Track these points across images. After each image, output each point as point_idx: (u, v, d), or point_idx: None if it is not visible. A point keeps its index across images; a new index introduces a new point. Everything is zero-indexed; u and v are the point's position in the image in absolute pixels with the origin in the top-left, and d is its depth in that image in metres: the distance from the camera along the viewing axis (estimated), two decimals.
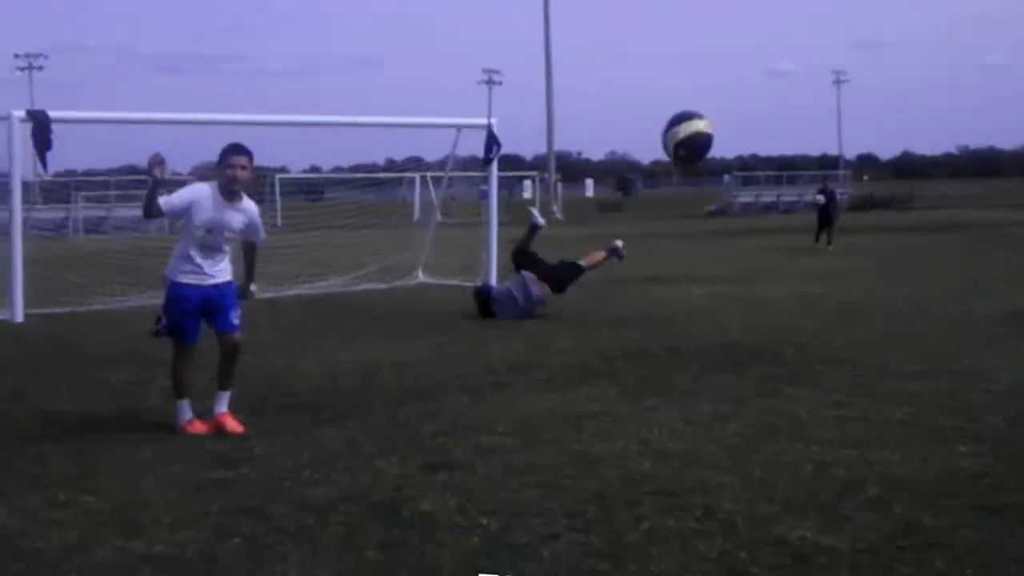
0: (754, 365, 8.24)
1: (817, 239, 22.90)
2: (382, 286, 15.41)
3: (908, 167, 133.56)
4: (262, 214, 6.55)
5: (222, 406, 6.20)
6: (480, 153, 15.52)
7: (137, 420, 6.59)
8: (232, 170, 6.04)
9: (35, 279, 12.51)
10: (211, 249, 6.12)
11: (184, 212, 6.03)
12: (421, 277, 16.20)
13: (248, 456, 5.60)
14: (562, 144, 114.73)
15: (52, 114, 11.84)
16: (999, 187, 74.64)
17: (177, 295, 6.12)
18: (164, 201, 6.01)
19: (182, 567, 4.00)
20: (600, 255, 11.88)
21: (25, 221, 12.78)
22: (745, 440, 5.85)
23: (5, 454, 5.80)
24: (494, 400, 7.10)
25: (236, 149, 6.09)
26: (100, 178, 38.53)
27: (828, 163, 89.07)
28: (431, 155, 20.41)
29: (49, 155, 11.53)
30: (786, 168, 72.57)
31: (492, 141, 15.12)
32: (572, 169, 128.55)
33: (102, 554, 4.10)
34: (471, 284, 13.24)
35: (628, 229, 33.69)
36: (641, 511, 4.58)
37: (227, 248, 6.26)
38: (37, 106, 12.68)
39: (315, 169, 64.76)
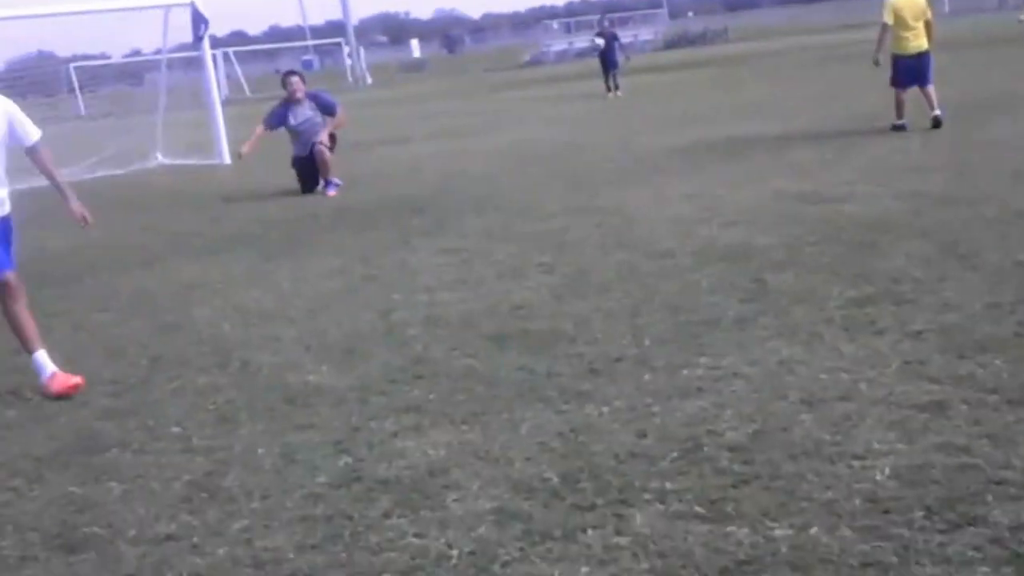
0: (413, 216, 9.15)
1: (607, 86, 21.48)
2: (120, 172, 15.84)
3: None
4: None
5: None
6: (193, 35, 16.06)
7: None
8: None
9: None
10: None
11: None
12: (160, 159, 16.88)
13: None
14: (388, 5, 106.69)
15: None
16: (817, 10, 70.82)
17: None
18: None
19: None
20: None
21: None
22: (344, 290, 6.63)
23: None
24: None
25: None
26: None
27: (655, 2, 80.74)
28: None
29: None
30: (613, 10, 59.96)
31: (198, 19, 15.63)
32: (400, 30, 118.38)
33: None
34: (208, 162, 15.53)
35: (425, 88, 35.93)
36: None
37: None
38: None
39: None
